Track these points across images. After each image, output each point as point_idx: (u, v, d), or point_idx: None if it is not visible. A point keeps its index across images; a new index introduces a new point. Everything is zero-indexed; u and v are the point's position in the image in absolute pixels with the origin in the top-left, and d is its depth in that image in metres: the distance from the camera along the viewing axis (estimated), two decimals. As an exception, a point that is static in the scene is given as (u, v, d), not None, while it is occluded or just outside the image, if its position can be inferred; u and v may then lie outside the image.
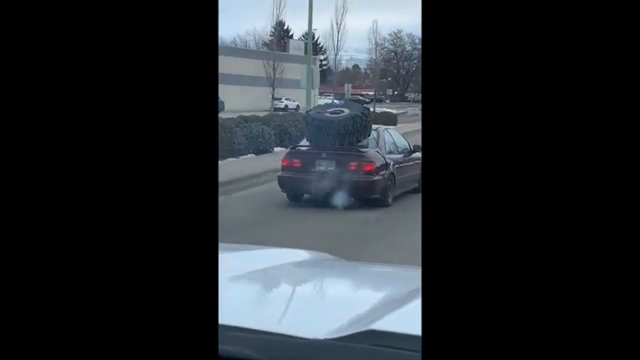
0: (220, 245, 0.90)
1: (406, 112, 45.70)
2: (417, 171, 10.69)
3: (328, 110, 9.43)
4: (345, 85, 35.41)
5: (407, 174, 10.11)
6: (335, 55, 48.35)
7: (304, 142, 9.60)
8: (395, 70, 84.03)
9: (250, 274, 1.54)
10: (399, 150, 10.20)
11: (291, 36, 62.78)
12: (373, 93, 51.98)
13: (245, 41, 63.41)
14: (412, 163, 10.40)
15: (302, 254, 1.97)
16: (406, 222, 8.23)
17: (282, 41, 54.41)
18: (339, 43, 46.47)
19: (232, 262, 1.58)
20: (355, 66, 78.67)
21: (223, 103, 29.24)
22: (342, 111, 9.27)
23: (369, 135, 9.35)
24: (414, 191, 10.59)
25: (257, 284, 1.60)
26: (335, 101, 10.34)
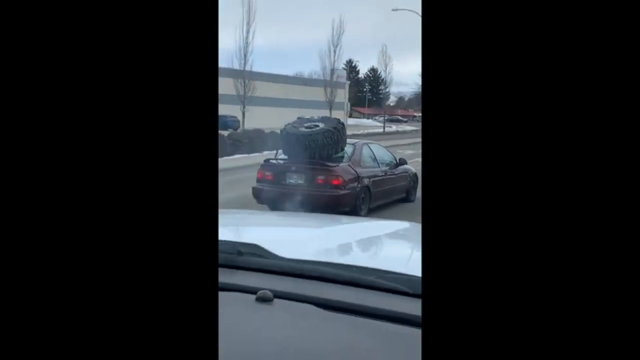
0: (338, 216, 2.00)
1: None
2: (402, 183, 10.92)
3: (304, 124, 9.76)
4: (345, 102, 38.57)
5: (388, 186, 10.33)
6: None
7: (282, 155, 9.98)
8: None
9: (386, 236, 2.26)
10: (381, 163, 10.44)
11: (358, 71, 68.74)
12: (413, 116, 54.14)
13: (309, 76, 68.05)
14: (394, 175, 10.62)
15: (403, 224, 2.61)
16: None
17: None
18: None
19: (361, 228, 2.31)
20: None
21: (239, 121, 32.12)
22: (317, 125, 9.57)
23: (342, 150, 9.63)
24: (403, 201, 10.84)
25: (394, 242, 2.28)
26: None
